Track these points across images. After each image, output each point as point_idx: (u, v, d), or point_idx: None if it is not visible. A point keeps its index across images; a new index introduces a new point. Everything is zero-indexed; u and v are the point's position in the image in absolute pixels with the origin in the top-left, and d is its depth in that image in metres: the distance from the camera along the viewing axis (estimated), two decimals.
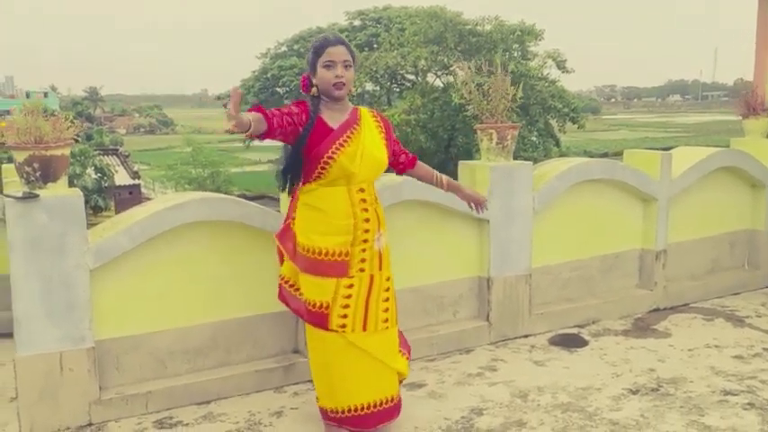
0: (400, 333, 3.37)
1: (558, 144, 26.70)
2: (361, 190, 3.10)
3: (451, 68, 27.32)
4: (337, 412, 3.18)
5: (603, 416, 3.48)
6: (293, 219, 3.18)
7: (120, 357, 3.58)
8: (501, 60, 19.33)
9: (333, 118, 3.06)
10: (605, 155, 48.40)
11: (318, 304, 3.10)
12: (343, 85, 3.02)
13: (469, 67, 4.90)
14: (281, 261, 3.32)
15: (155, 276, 3.62)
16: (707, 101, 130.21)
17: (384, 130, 3.21)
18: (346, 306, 3.08)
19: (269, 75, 32.25)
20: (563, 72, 27.33)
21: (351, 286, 3.08)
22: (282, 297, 3.38)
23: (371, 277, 3.11)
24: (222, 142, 51.78)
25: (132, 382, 3.61)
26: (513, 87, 4.48)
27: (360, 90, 29.33)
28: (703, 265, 5.43)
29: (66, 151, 3.40)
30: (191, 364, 3.76)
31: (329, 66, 2.99)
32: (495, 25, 26.27)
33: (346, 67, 3.02)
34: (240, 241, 3.81)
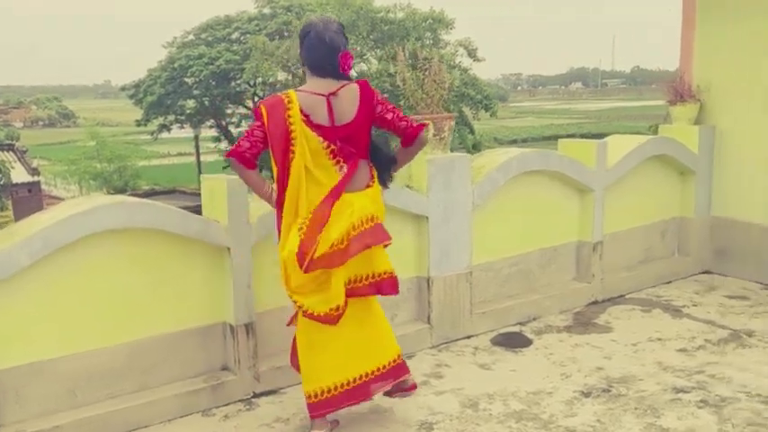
0: None
1: (472, 132, 26.91)
2: None
3: (365, 57, 27.07)
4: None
5: (559, 423, 3.29)
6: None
7: (20, 389, 3.12)
8: (414, 48, 19.25)
9: None
10: (514, 141, 49.45)
11: None
12: None
13: (402, 54, 4.62)
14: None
15: (61, 293, 3.17)
16: (606, 88, 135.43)
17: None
18: None
19: (176, 65, 30.94)
20: (474, 60, 27.49)
21: None
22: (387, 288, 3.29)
23: None
24: (128, 134, 49.65)
25: (36, 416, 3.15)
26: (449, 75, 4.24)
27: (272, 80, 28.69)
28: (637, 255, 5.38)
29: None
30: (106, 391, 3.33)
31: None
32: (408, 13, 26.14)
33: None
34: (159, 249, 3.41)
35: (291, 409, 3.49)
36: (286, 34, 30.26)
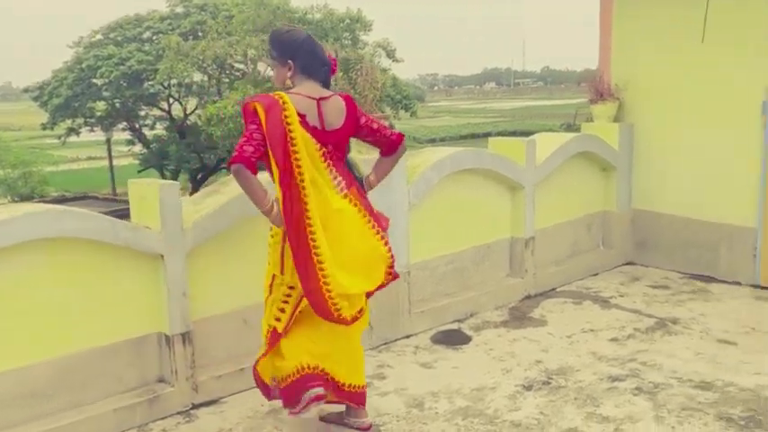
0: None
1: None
2: None
3: None
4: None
5: (504, 418, 3.33)
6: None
7: None
8: (333, 49, 19.18)
9: None
10: (432, 141, 50.04)
11: None
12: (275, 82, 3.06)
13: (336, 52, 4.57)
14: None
15: None
16: (519, 87, 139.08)
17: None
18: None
19: (84, 65, 29.68)
20: (393, 61, 27.65)
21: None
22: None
23: None
24: (33, 139, 47.41)
25: None
26: (381, 75, 4.23)
27: (187, 80, 27.99)
28: (565, 250, 5.52)
29: None
30: (33, 411, 3.14)
31: None
32: (325, 14, 26.04)
33: (271, 66, 3.09)
34: (88, 259, 3.24)
35: (234, 419, 3.40)
36: (200, 34, 29.56)
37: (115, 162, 35.53)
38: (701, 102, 5.26)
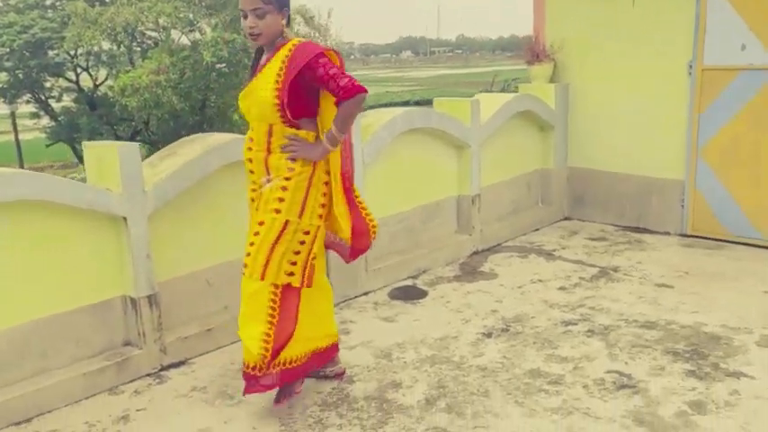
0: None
1: None
2: (252, 129, 2.94)
3: (198, 25, 26.02)
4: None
5: (471, 363, 3.48)
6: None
7: None
8: None
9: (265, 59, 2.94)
10: None
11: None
12: (258, 35, 2.81)
13: None
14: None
15: None
16: (434, 56, 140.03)
17: (286, 65, 2.78)
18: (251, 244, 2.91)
19: None
20: (312, 30, 27.34)
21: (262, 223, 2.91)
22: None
23: (286, 222, 2.88)
24: None
25: None
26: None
27: (96, 49, 26.81)
28: (507, 207, 5.72)
29: None
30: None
31: (243, 15, 2.83)
32: None
33: (257, 15, 2.79)
34: (48, 223, 3.16)
35: (206, 378, 3.41)
36: (110, 1, 28.33)
37: (20, 136, 33.79)
38: (632, 62, 5.51)
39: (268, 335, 2.87)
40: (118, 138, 28.21)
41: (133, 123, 27.25)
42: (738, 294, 4.23)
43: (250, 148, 2.94)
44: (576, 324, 3.91)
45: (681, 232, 5.45)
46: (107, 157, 3.30)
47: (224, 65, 24.74)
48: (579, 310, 4.10)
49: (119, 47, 28.35)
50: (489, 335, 3.82)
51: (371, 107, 5.74)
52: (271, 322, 2.89)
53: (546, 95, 5.85)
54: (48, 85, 30.99)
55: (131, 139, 28.69)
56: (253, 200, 2.99)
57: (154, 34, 27.50)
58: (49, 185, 3.07)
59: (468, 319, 4.05)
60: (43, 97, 31.34)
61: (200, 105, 24.92)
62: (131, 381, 3.39)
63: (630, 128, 5.62)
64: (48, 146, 30.77)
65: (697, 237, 5.36)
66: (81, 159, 29.02)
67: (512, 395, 3.16)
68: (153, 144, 28.00)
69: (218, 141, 3.69)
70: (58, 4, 28.97)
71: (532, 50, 5.86)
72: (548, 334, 3.80)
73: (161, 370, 3.50)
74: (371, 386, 3.29)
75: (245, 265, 2.88)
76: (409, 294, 4.46)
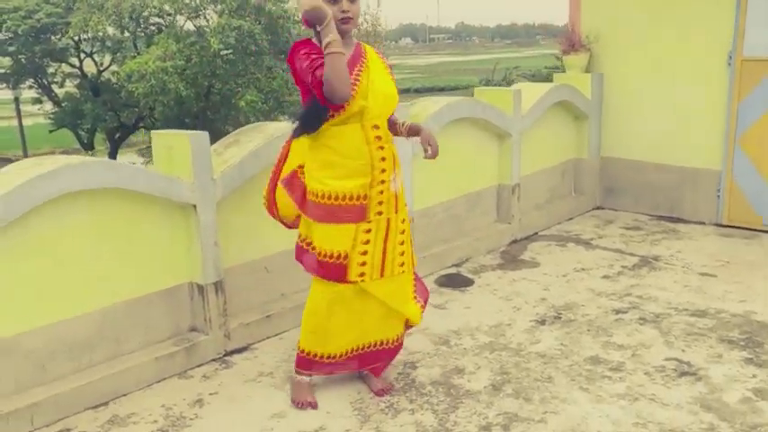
0: (418, 279, 3.22)
1: None
2: (376, 127, 2.88)
3: (204, 11, 25.92)
4: (336, 356, 3.07)
5: (529, 350, 3.55)
6: (301, 166, 2.93)
7: None
8: (257, 2, 18.57)
9: None
10: None
11: (336, 254, 2.87)
12: (350, 19, 2.79)
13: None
14: (273, 211, 3.09)
15: (24, 262, 2.91)
16: (434, 43, 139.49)
17: (388, 67, 3.01)
18: (365, 253, 2.89)
19: None
20: None
21: (369, 231, 2.89)
22: (297, 256, 3.07)
23: (388, 220, 2.94)
24: None
25: (9, 395, 2.91)
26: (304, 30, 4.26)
27: (101, 34, 26.64)
28: (543, 195, 5.78)
29: None
30: (75, 363, 3.13)
31: (334, 0, 2.73)
32: None
33: (351, 0, 2.78)
34: (122, 211, 3.21)
35: (271, 364, 3.48)
36: None
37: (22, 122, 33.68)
38: (670, 52, 5.55)
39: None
40: (121, 123, 28.19)
41: (137, 110, 27.17)
42: None
43: (382, 147, 2.88)
44: (626, 312, 3.98)
45: (716, 222, 5.52)
46: (177, 146, 3.35)
47: (230, 51, 24.71)
48: (627, 299, 4.17)
49: (122, 32, 28.20)
50: (543, 322, 3.89)
51: None
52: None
53: (581, 85, 5.89)
54: (51, 70, 30.85)
55: (135, 125, 28.67)
56: (380, 202, 2.89)
57: (157, 20, 27.43)
58: (126, 174, 3.13)
59: (519, 306, 4.12)
60: (46, 83, 31.21)
61: (205, 92, 24.89)
62: (199, 365, 3.45)
63: (666, 118, 5.67)
64: (51, 131, 30.65)
65: (732, 227, 5.42)
66: (84, 145, 28.99)
67: (576, 381, 3.23)
68: (155, 130, 27.99)
69: (279, 130, 3.74)
70: None
71: (570, 40, 5.89)
72: (600, 322, 3.87)
73: (225, 355, 3.56)
74: (435, 372, 3.36)
75: (403, 263, 3.01)
76: (456, 282, 4.52)
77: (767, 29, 5.02)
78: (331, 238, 2.87)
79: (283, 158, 3.03)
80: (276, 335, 3.79)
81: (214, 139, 3.64)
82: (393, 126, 3.12)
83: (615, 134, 6.03)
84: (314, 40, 2.80)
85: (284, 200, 3.00)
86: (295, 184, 2.97)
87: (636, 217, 5.86)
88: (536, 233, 5.50)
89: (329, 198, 2.83)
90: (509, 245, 5.24)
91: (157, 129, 22.34)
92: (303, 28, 25.82)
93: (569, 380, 3.24)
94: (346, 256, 2.88)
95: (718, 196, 5.47)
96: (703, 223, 5.58)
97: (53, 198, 2.90)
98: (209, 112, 26.47)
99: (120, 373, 3.19)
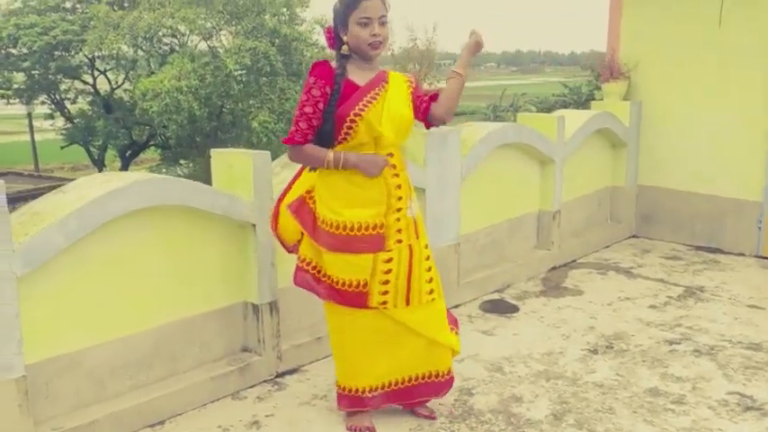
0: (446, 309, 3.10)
1: None
2: (390, 154, 2.81)
3: (221, 32, 26.15)
4: (376, 389, 2.96)
5: (585, 379, 3.50)
6: (310, 191, 2.84)
7: (50, 383, 2.81)
8: (272, 24, 18.79)
9: (361, 76, 2.77)
10: None
11: (355, 283, 2.78)
12: (380, 43, 2.70)
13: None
14: (275, 229, 2.98)
15: (89, 278, 2.88)
16: (440, 69, 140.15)
17: (413, 86, 2.93)
18: (386, 282, 2.79)
19: (3, 34, 28.10)
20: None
21: (390, 260, 2.79)
22: (301, 281, 2.96)
23: (410, 247, 2.84)
24: None
25: (69, 412, 2.86)
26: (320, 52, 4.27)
27: (116, 52, 26.82)
28: (581, 223, 5.74)
29: None
30: (133, 380, 3.08)
31: (365, 23, 2.67)
32: None
33: (382, 23, 2.70)
34: (184, 228, 3.19)
35: (323, 387, 3.42)
36: (126, 4, 28.39)
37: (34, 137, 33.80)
38: (712, 82, 5.54)
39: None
40: (133, 140, 28.31)
41: (149, 127, 27.30)
42: None
43: (396, 174, 2.83)
44: (679, 343, 3.92)
45: (757, 254, 5.47)
46: (239, 165, 3.33)
47: (244, 72, 24.90)
48: (678, 330, 4.11)
49: (136, 51, 28.39)
50: (595, 351, 3.83)
51: None
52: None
53: (620, 112, 5.88)
54: (64, 87, 31.01)
55: (146, 143, 28.81)
56: (399, 230, 2.81)
57: (172, 39, 27.66)
58: (192, 190, 3.10)
59: (568, 334, 4.07)
60: (59, 99, 31.37)
61: (217, 112, 25.02)
62: (252, 386, 3.40)
63: (706, 148, 5.65)
64: (62, 147, 30.76)
65: None
66: (95, 162, 29.07)
67: (638, 414, 3.17)
68: (166, 148, 28.10)
69: None
70: (78, 6, 29.11)
71: (610, 68, 5.90)
72: (654, 352, 3.81)
73: (277, 376, 3.51)
74: (492, 399, 3.31)
75: (432, 291, 2.90)
76: (500, 308, 4.48)
77: None
78: (347, 267, 2.78)
79: (292, 183, 2.97)
80: (325, 357, 3.71)
81: None
82: (451, 91, 2.98)
83: (653, 162, 6.00)
84: (332, 63, 2.75)
85: (288, 224, 2.92)
86: (304, 210, 2.87)
87: (673, 246, 5.82)
88: (575, 260, 5.45)
89: (344, 229, 2.75)
90: (549, 271, 5.19)
91: (169, 147, 22.22)
92: (316, 51, 26.10)
93: (631, 412, 3.18)
94: (366, 284, 2.78)
95: (759, 228, 5.43)
96: (743, 254, 5.53)
97: (124, 214, 2.87)
98: (220, 132, 26.61)
99: (177, 393, 3.13)
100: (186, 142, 26.70)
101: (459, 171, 4.33)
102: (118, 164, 28.54)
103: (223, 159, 3.42)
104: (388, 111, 2.75)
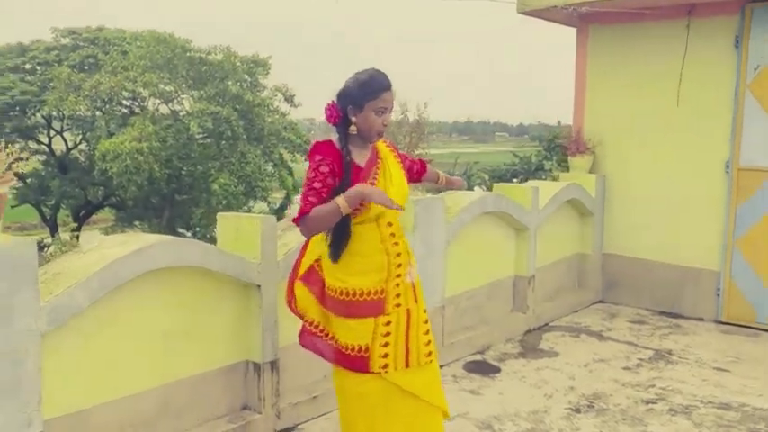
0: None
1: (291, 173, 27.27)
2: (389, 224, 2.95)
3: (181, 96, 26.40)
4: None
5: None
6: (318, 261, 2.93)
7: None
8: (236, 90, 19.09)
9: (360, 155, 2.90)
10: None
11: (357, 347, 2.87)
12: (385, 129, 2.90)
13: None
14: (293, 304, 3.01)
15: (104, 336, 2.97)
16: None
17: (400, 158, 3.08)
18: (386, 344, 2.88)
19: None
20: (291, 106, 28.00)
21: (389, 323, 2.89)
22: (308, 343, 3.04)
23: (408, 311, 2.95)
24: None
25: None
26: (280, 119, 4.55)
27: (74, 113, 26.74)
28: (553, 287, 6.01)
29: (5, 189, 2.69)
30: None
31: (381, 112, 2.82)
32: (226, 55, 26.02)
33: (391, 112, 2.89)
34: (195, 288, 3.31)
35: None
36: (86, 68, 28.37)
37: None
38: (671, 156, 5.97)
39: None
40: (88, 200, 27.99)
41: (105, 188, 27.09)
42: None
43: (396, 243, 2.92)
44: (655, 403, 4.14)
45: (715, 319, 5.79)
46: (246, 228, 3.49)
47: (205, 135, 25.12)
48: (653, 390, 4.34)
49: (93, 113, 28.30)
50: (578, 410, 4.02)
51: None
52: None
53: (586, 184, 6.24)
54: (17, 147, 30.49)
55: (101, 202, 28.52)
56: (398, 294, 2.89)
57: (131, 102, 27.76)
58: (205, 253, 3.24)
59: (550, 394, 4.25)
60: (11, 159, 30.72)
61: (177, 174, 25.06)
62: None
63: (667, 219, 6.03)
64: (13, 207, 30.15)
65: (731, 324, 5.70)
66: (46, 222, 28.56)
67: None
68: (121, 209, 27.84)
69: None
70: (38, 68, 29.07)
71: (576, 143, 6.29)
72: (633, 411, 4.02)
73: None
74: None
75: (430, 353, 2.97)
76: (483, 369, 4.65)
77: (762, 141, 5.46)
78: (352, 332, 2.87)
79: (302, 254, 3.05)
80: (321, 415, 3.83)
81: (182, 222, 3.68)
82: (433, 177, 3.35)
83: (616, 232, 6.36)
84: (334, 141, 2.86)
85: (304, 296, 2.99)
86: (313, 277, 2.98)
87: (637, 311, 6.11)
88: (547, 324, 5.69)
89: (348, 294, 2.84)
90: (525, 334, 5.41)
91: (125, 207, 21.94)
92: (277, 117, 26.51)
93: None
94: (367, 349, 2.88)
95: (718, 295, 5.78)
96: (702, 319, 5.84)
97: (140, 274, 2.99)
98: (178, 194, 26.58)
99: None
100: (143, 203, 26.55)
101: (445, 237, 4.56)
102: (72, 224, 28.07)
103: (230, 223, 3.58)
104: (391, 185, 2.91)
